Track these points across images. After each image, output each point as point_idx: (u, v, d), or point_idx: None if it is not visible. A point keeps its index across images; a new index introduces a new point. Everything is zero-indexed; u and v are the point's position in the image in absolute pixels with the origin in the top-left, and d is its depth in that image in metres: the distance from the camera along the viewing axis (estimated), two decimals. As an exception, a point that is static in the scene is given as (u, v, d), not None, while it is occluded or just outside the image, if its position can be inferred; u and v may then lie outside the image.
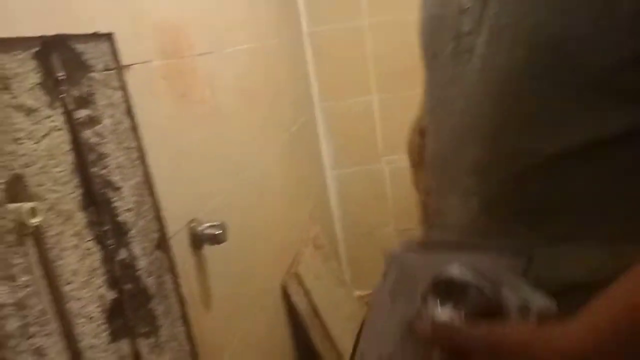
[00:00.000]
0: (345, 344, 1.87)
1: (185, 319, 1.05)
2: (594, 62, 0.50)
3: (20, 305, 0.66)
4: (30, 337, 0.68)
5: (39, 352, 0.69)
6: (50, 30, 0.76)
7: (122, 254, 0.90)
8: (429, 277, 0.56)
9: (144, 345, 0.94)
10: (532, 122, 0.55)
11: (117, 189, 0.88)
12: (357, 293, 2.49)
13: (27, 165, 0.70)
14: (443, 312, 0.54)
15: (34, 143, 0.72)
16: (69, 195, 0.78)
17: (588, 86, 0.52)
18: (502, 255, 0.56)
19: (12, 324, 0.65)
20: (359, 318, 2.23)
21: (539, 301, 0.51)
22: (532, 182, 0.56)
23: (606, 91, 0.51)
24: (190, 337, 1.06)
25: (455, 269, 0.55)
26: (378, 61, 2.37)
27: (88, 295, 0.80)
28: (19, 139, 0.69)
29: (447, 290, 0.55)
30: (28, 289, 0.68)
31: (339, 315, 1.96)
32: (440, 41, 0.64)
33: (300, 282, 1.78)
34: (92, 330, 0.80)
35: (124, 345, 0.90)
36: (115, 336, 0.88)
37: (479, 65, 0.58)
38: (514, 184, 0.57)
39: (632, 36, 0.49)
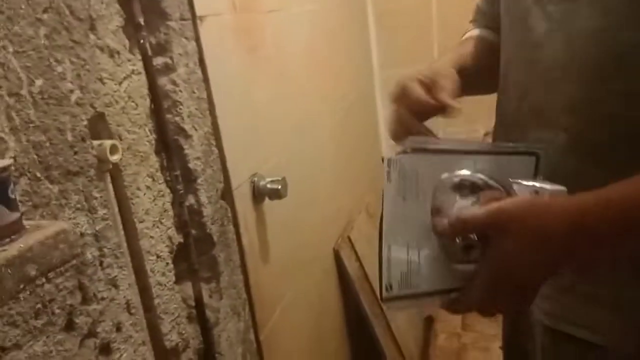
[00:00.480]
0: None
1: (244, 268, 1.08)
2: None
3: (98, 237, 0.70)
4: (106, 267, 0.72)
5: (112, 282, 0.73)
6: (133, -24, 0.78)
7: (190, 200, 0.93)
8: (438, 178, 0.61)
9: (205, 289, 0.98)
10: (629, 64, 0.55)
11: (189, 136, 0.91)
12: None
13: (108, 105, 0.73)
14: (459, 206, 0.60)
15: (116, 84, 0.75)
16: (145, 137, 0.81)
17: None
18: (512, 156, 0.61)
19: (91, 253, 0.69)
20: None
21: (550, 187, 0.56)
22: (620, 124, 0.56)
23: None
24: (247, 287, 1.09)
25: (467, 171, 0.61)
26: (443, 28, 2.31)
27: (158, 235, 0.84)
28: (102, 78, 0.72)
29: (460, 188, 0.61)
30: (106, 222, 0.71)
31: (388, 283, 1.97)
32: None
33: (353, 247, 1.79)
34: (160, 268, 0.84)
35: (187, 287, 0.94)
36: (179, 278, 0.92)
37: (585, 5, 0.57)
38: (602, 124, 0.58)
39: None
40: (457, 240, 0.59)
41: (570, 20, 0.59)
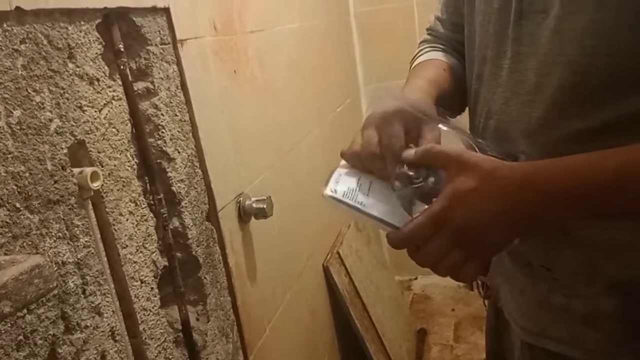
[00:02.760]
0: (385, 324, 1.88)
1: (231, 289, 1.08)
2: None
3: (80, 265, 0.70)
4: (89, 295, 0.71)
5: (96, 310, 0.72)
6: (112, 3, 0.79)
7: (175, 223, 0.93)
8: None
9: (192, 312, 0.98)
10: (600, 88, 0.55)
11: (172, 159, 0.91)
12: (397, 278, 2.49)
13: (89, 132, 0.73)
14: None
15: (96, 111, 0.75)
16: (127, 163, 0.81)
17: None
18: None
19: (73, 282, 0.68)
20: (399, 301, 2.24)
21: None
22: (580, 146, 0.56)
23: None
24: (235, 308, 1.09)
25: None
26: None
27: (142, 260, 0.83)
28: (82, 106, 0.73)
29: None
30: (88, 250, 0.71)
31: (379, 296, 1.97)
32: (500, 2, 0.64)
33: (342, 262, 1.79)
34: (145, 293, 0.84)
35: (173, 311, 0.94)
36: (165, 302, 0.92)
37: (552, 26, 0.57)
38: (563, 146, 0.58)
39: None
40: (415, 173, 0.59)
41: (536, 46, 0.60)
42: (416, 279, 2.68)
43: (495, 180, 0.54)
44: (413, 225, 0.56)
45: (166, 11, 0.93)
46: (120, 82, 0.82)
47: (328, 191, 0.64)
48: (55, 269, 0.65)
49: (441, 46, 0.82)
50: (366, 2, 2.36)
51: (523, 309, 0.69)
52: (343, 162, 0.68)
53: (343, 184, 0.64)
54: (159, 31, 0.91)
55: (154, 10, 0.89)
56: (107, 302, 0.75)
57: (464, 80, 0.75)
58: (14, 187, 0.61)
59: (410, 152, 0.59)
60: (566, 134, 0.58)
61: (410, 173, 0.60)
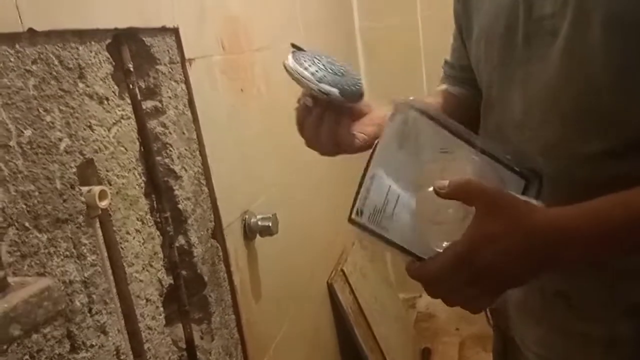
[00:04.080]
0: (389, 344, 1.87)
1: (236, 307, 1.08)
2: None
3: (87, 283, 0.70)
4: (95, 314, 0.71)
5: (102, 328, 0.72)
6: (122, 24, 0.80)
7: (180, 241, 0.93)
8: (437, 150, 0.62)
9: (196, 330, 0.97)
10: (618, 106, 0.56)
11: (178, 177, 0.91)
12: (402, 296, 2.47)
13: (98, 151, 0.74)
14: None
15: (105, 130, 0.76)
16: (135, 181, 0.82)
17: None
18: (506, 169, 0.62)
19: (79, 300, 0.68)
20: (404, 320, 2.22)
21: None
22: (599, 165, 0.57)
23: None
24: (239, 326, 1.09)
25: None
26: (429, 56, 2.34)
27: (148, 278, 0.83)
28: (92, 125, 0.73)
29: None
30: (94, 268, 0.71)
31: (384, 314, 1.96)
32: (510, 22, 0.64)
33: (346, 280, 1.78)
34: (150, 312, 0.84)
35: (178, 330, 0.93)
36: (170, 320, 0.91)
37: (563, 46, 0.58)
38: (582, 165, 0.59)
39: None
40: (444, 204, 0.58)
41: (547, 67, 0.60)
42: (420, 296, 2.66)
43: (523, 228, 0.53)
44: (438, 265, 0.56)
45: (175, 31, 0.94)
46: (129, 101, 0.83)
47: (354, 214, 0.61)
48: (63, 288, 0.65)
49: (452, 83, 0.84)
50: (371, 17, 2.38)
51: (538, 336, 0.68)
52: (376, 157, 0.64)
53: (371, 199, 0.61)
54: (168, 50, 0.92)
55: (163, 30, 0.90)
56: (113, 320, 0.74)
57: (474, 109, 0.75)
58: (24, 207, 0.61)
59: (444, 183, 0.57)
60: (587, 153, 0.58)
61: (438, 203, 0.58)
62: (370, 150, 0.63)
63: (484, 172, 0.61)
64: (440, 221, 0.59)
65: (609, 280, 0.61)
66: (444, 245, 0.57)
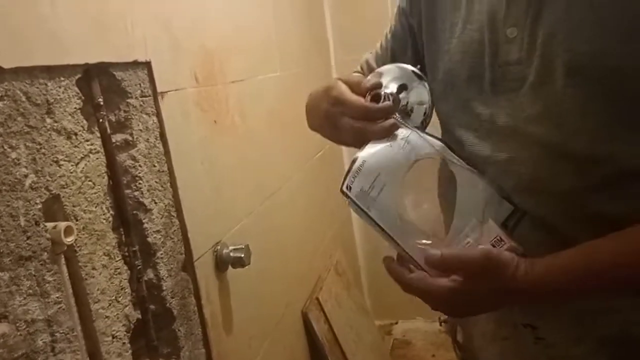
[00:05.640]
0: (364, 373, 1.85)
1: (206, 341, 1.06)
2: None
3: (50, 322, 0.68)
4: (58, 352, 0.70)
5: (65, 368, 0.70)
6: (93, 58, 0.80)
7: (149, 275, 0.92)
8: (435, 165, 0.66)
9: (165, 365, 0.96)
10: (591, 145, 0.58)
11: (148, 210, 0.91)
12: (378, 323, 2.46)
13: (64, 186, 0.73)
14: None
15: (73, 165, 0.75)
16: (102, 216, 0.81)
17: None
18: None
19: (42, 340, 0.67)
20: (380, 348, 2.21)
21: (509, 243, 0.61)
22: (578, 200, 0.60)
23: None
24: (210, 359, 1.07)
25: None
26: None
27: (114, 314, 0.82)
28: (59, 160, 0.73)
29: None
30: (59, 306, 0.70)
31: (359, 343, 1.95)
32: (476, 66, 0.66)
33: (322, 308, 1.77)
34: (116, 349, 0.82)
35: (146, 365, 0.92)
36: (137, 356, 0.90)
37: (529, 92, 0.60)
38: (559, 200, 0.61)
39: None
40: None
41: (516, 110, 0.62)
42: (397, 323, 2.66)
43: (504, 289, 0.59)
44: (420, 285, 0.62)
45: (147, 65, 0.94)
46: (98, 135, 0.83)
47: (344, 187, 0.66)
48: (24, 327, 0.64)
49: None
50: (348, 51, 2.42)
51: None
52: (366, 147, 0.68)
53: (359, 179, 0.66)
54: (140, 84, 0.92)
55: (135, 64, 0.91)
56: (77, 359, 0.73)
57: None
58: (-15, 245, 0.60)
59: (437, 254, 0.60)
60: (561, 190, 0.60)
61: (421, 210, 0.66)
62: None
63: (471, 183, 0.65)
64: (420, 223, 0.65)
65: (580, 315, 0.63)
66: (423, 241, 0.63)
